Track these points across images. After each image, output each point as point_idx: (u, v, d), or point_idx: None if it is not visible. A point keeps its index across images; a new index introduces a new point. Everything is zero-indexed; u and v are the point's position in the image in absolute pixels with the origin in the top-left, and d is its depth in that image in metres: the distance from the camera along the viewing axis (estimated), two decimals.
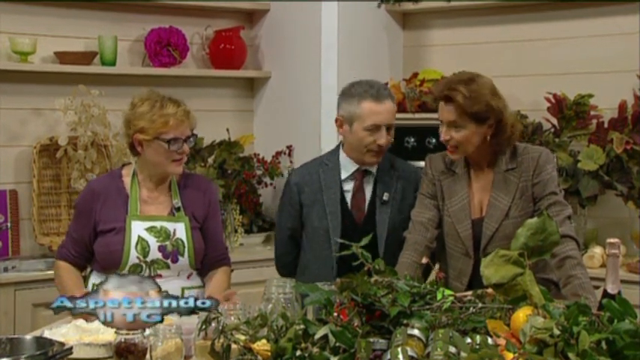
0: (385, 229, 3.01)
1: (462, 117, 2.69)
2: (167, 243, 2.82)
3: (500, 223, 2.73)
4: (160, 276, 2.80)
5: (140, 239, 2.80)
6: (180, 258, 2.83)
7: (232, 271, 3.04)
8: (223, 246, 3.02)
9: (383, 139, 2.97)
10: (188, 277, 2.89)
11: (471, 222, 2.78)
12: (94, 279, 2.87)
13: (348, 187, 3.08)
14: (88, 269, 2.96)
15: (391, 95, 3.04)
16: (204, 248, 2.91)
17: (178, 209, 2.87)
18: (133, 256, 2.79)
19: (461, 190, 2.81)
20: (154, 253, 2.80)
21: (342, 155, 3.10)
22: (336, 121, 3.07)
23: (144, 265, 2.80)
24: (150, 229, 2.82)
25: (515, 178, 2.76)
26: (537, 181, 2.74)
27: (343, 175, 3.08)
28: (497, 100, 2.71)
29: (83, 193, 2.97)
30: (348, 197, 3.07)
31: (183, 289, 2.83)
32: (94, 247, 2.86)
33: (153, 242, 2.81)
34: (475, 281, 2.71)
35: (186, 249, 2.83)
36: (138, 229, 2.81)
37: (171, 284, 2.77)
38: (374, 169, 3.07)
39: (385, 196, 3.03)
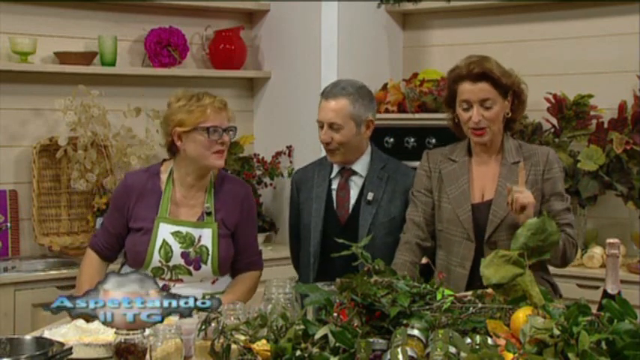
0: (366, 230, 3.01)
1: (493, 92, 2.74)
2: (190, 250, 2.80)
3: (509, 212, 2.74)
4: (181, 281, 2.80)
5: (164, 243, 2.79)
6: (202, 265, 2.81)
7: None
8: (256, 251, 2.99)
9: (322, 135, 3.03)
10: (213, 283, 2.87)
11: (470, 206, 2.81)
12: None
13: (335, 185, 3.11)
14: (120, 263, 2.97)
15: (350, 94, 3.01)
16: (235, 254, 2.89)
17: (209, 214, 2.84)
18: (156, 259, 2.79)
19: (461, 176, 2.84)
20: (177, 259, 2.80)
21: None
22: None
23: (165, 269, 2.80)
24: (175, 234, 2.80)
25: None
26: (548, 177, 2.80)
27: (333, 174, 3.12)
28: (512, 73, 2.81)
29: (119, 186, 2.97)
30: (335, 195, 3.10)
31: (204, 296, 2.81)
32: (125, 243, 2.88)
33: (176, 248, 2.79)
34: (478, 266, 2.73)
35: (210, 257, 2.81)
36: (164, 232, 2.80)
37: (193, 291, 2.73)
38: (359, 169, 3.09)
39: (370, 196, 3.04)
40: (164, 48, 4.27)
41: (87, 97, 3.95)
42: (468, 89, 2.75)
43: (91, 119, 3.97)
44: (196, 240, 2.81)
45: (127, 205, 2.86)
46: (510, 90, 2.78)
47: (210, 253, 2.81)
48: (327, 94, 3.04)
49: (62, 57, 4.04)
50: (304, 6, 4.42)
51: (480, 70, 2.73)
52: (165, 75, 4.30)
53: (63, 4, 4.11)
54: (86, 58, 4.09)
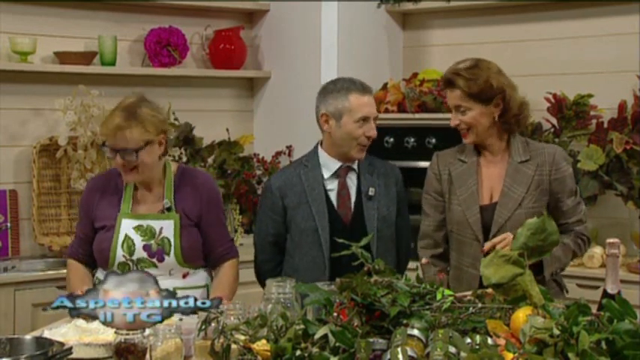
0: (375, 224, 3.02)
1: (465, 99, 2.79)
2: (152, 242, 2.82)
3: (513, 212, 2.78)
4: None
5: (127, 237, 2.82)
6: (165, 257, 2.83)
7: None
8: (227, 239, 2.99)
9: (373, 130, 3.02)
10: (184, 277, 2.88)
11: (479, 208, 2.82)
12: (99, 275, 2.89)
13: (332, 185, 3.08)
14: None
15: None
16: (207, 246, 2.90)
17: (169, 209, 2.86)
18: (120, 254, 2.81)
19: (470, 177, 2.86)
20: (139, 252, 2.82)
21: (322, 154, 3.09)
22: (322, 116, 3.05)
23: (130, 264, 2.82)
24: (137, 228, 2.83)
25: (529, 170, 2.82)
26: (556, 177, 2.82)
27: (325, 175, 3.07)
28: (498, 79, 2.80)
29: (84, 191, 3.02)
30: (333, 196, 3.07)
31: (175, 290, 2.82)
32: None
33: (138, 241, 2.82)
34: None
35: (172, 248, 2.83)
36: (126, 227, 2.83)
37: (162, 284, 2.73)
38: (356, 166, 3.09)
39: (371, 191, 3.05)
40: (164, 48, 4.27)
41: (87, 97, 3.95)
42: (447, 94, 2.87)
43: (91, 119, 3.97)
44: (157, 232, 2.83)
45: (92, 207, 2.90)
46: (489, 97, 2.79)
47: (172, 244, 2.83)
48: (363, 88, 3.04)
49: (62, 57, 4.04)
50: (304, 6, 4.42)
51: (447, 79, 2.83)
52: (165, 75, 4.30)
53: (63, 4, 4.11)
54: (86, 57, 4.09)
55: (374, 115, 3.03)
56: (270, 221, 3.11)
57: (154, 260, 2.82)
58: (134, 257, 2.81)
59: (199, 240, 2.89)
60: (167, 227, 2.84)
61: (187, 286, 2.85)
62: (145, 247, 2.82)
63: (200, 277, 2.93)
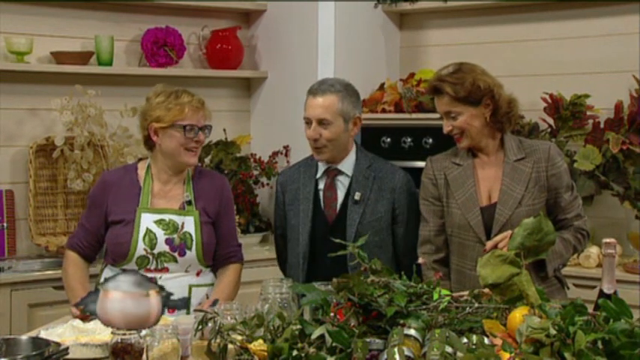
0: (354, 229, 3.01)
1: (454, 104, 2.80)
2: (174, 236, 2.83)
3: (514, 211, 2.78)
4: (167, 270, 2.82)
5: (148, 231, 2.82)
6: (187, 252, 2.84)
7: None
8: (235, 242, 3.03)
9: (310, 132, 3.02)
10: (198, 274, 2.89)
11: (479, 209, 2.82)
12: (107, 274, 2.88)
13: (322, 185, 3.10)
14: (102, 264, 2.99)
15: (339, 91, 3.01)
16: (216, 244, 2.92)
17: (189, 203, 2.88)
18: (140, 247, 2.81)
19: (467, 180, 2.86)
20: (161, 246, 2.82)
21: None
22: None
23: (150, 258, 2.82)
24: (159, 222, 2.84)
25: (526, 168, 2.82)
26: (553, 172, 2.83)
27: (319, 174, 3.10)
28: (484, 79, 2.81)
29: (96, 184, 3.02)
30: (322, 196, 3.09)
31: (191, 287, 2.85)
32: (105, 239, 2.89)
33: (160, 234, 2.83)
34: None
35: (194, 243, 2.85)
36: (147, 221, 2.83)
37: (180, 281, 2.81)
38: (345, 168, 3.08)
39: (357, 196, 3.04)
40: (161, 48, 4.27)
41: (83, 97, 3.95)
42: (436, 102, 2.87)
43: (88, 119, 3.97)
44: (180, 226, 2.85)
45: (106, 201, 2.89)
46: (477, 98, 2.80)
47: (194, 239, 2.85)
48: (315, 91, 3.04)
49: (59, 57, 4.04)
50: (301, 6, 4.42)
51: (433, 87, 2.84)
52: (162, 75, 4.29)
53: (59, 3, 4.10)
54: (83, 57, 4.09)
55: (315, 117, 3.01)
56: (277, 215, 3.22)
57: (175, 254, 2.83)
58: (155, 251, 2.82)
59: (215, 239, 2.93)
60: (188, 223, 2.86)
61: (202, 284, 2.90)
62: (168, 241, 2.83)
63: (210, 276, 2.96)
